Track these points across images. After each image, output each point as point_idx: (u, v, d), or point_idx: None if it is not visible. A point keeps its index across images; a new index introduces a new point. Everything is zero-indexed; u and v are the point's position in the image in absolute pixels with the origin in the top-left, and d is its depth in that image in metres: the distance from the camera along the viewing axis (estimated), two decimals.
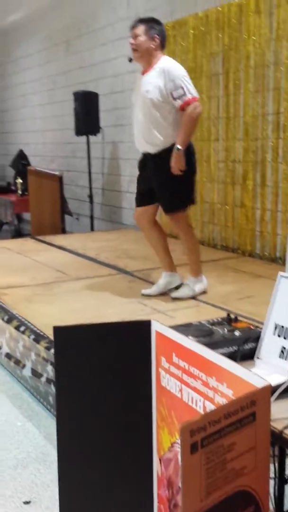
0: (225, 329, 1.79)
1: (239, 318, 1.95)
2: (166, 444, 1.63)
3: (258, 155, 4.96)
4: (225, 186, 5.37)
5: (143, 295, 3.88)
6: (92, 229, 7.12)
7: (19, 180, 8.14)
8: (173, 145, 3.53)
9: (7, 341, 3.54)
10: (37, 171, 7.42)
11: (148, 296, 3.86)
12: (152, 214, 3.84)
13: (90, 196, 7.05)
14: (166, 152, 3.55)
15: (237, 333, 1.77)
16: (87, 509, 1.73)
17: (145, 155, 3.73)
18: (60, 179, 6.83)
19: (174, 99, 3.49)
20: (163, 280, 3.92)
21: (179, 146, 3.49)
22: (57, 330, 1.59)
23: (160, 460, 1.67)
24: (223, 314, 2.15)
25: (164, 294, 3.90)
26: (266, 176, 4.89)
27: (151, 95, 3.51)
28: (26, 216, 8.20)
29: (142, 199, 3.81)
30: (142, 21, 3.63)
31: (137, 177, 3.87)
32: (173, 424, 1.58)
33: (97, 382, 1.64)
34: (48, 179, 7.05)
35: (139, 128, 3.63)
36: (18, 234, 8.32)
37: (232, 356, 1.66)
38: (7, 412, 3.08)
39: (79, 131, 6.83)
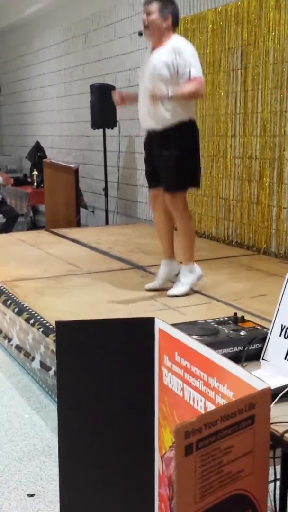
0: (230, 328, 1.78)
1: (250, 316, 1.93)
2: (168, 442, 1.62)
3: (275, 152, 4.91)
4: (241, 182, 5.33)
5: (147, 290, 3.85)
6: (107, 222, 7.11)
7: (35, 172, 8.15)
8: (179, 123, 3.52)
9: (17, 333, 3.55)
10: (52, 164, 7.43)
11: (153, 290, 3.84)
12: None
13: (106, 190, 7.05)
14: (172, 130, 3.52)
15: (242, 333, 1.75)
16: (87, 504, 1.73)
17: (149, 134, 3.68)
18: (75, 171, 6.83)
19: (182, 76, 3.47)
20: (163, 268, 3.88)
21: (173, 95, 3.42)
22: (60, 325, 1.58)
23: (161, 458, 1.66)
24: (236, 312, 2.15)
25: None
26: (283, 173, 4.84)
27: (159, 71, 3.49)
28: (42, 208, 8.22)
29: (153, 179, 3.78)
30: None
31: (144, 158, 3.83)
32: (175, 423, 1.56)
33: (100, 378, 1.63)
34: (63, 172, 7.06)
35: (145, 103, 3.56)
36: (33, 226, 8.35)
37: (237, 357, 1.64)
38: (16, 404, 3.09)
39: (96, 124, 6.82)
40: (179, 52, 3.48)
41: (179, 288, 3.78)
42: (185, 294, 3.76)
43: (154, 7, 3.56)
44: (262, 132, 5.01)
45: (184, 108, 3.54)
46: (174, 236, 3.91)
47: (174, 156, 3.54)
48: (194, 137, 3.63)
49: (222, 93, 5.38)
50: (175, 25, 3.64)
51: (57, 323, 1.59)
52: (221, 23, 5.31)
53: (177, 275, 3.85)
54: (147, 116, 3.59)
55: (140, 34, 3.72)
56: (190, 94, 3.50)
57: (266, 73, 4.90)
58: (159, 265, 4.01)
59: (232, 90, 5.30)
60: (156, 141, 3.62)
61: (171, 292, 3.77)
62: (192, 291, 3.82)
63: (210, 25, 5.44)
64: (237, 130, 5.31)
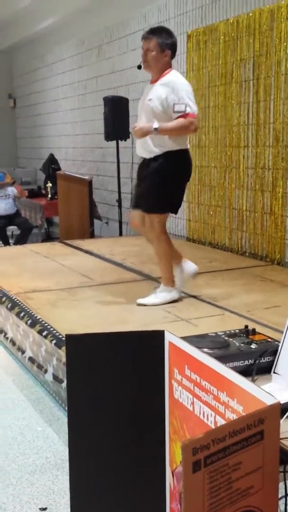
0: (241, 341, 1.76)
1: (264, 328, 1.92)
2: (179, 457, 1.60)
3: None
4: (254, 193, 5.32)
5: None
6: (120, 233, 7.13)
7: (49, 184, 8.21)
8: (166, 153, 3.63)
9: (30, 345, 3.56)
10: (66, 176, 7.47)
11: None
12: (143, 217, 3.86)
13: (119, 201, 7.06)
14: (158, 157, 3.65)
15: (253, 346, 1.74)
16: None
17: (141, 160, 3.81)
18: (89, 183, 6.86)
19: (174, 112, 3.56)
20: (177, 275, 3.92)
21: (157, 126, 3.52)
22: (69, 338, 1.58)
23: (172, 473, 1.65)
24: (248, 324, 2.12)
25: (184, 300, 3.86)
26: None
27: (152, 104, 3.59)
28: (56, 220, 8.27)
29: (136, 201, 3.89)
30: (154, 33, 3.67)
31: (136, 183, 3.95)
32: (185, 437, 1.55)
33: (110, 391, 1.63)
34: (77, 184, 7.09)
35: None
36: (48, 237, 8.39)
37: (248, 370, 1.63)
38: (29, 416, 3.09)
39: (109, 136, 6.85)
40: (173, 88, 3.56)
41: (151, 299, 3.83)
42: (153, 305, 3.79)
43: (153, 43, 3.63)
44: (275, 143, 5.00)
45: (174, 140, 3.63)
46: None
47: (152, 179, 3.68)
48: (178, 166, 3.70)
49: (234, 104, 5.39)
50: (173, 57, 3.73)
51: (67, 336, 1.59)
52: (233, 34, 5.32)
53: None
54: (140, 146, 3.73)
55: (139, 67, 3.80)
56: (175, 130, 3.57)
57: (278, 84, 4.90)
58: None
59: (244, 101, 5.30)
60: (144, 165, 3.77)
61: (141, 301, 3.82)
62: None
63: (222, 37, 5.45)
64: (249, 140, 5.31)
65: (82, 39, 8.62)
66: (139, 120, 3.74)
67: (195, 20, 5.91)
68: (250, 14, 5.10)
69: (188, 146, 3.79)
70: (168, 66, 3.70)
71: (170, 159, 3.66)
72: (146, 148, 3.68)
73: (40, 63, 10.36)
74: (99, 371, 1.62)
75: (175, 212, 3.84)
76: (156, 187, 3.68)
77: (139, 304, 3.81)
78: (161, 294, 3.84)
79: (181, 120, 3.56)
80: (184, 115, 3.55)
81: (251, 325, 2.62)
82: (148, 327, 3.14)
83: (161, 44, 3.63)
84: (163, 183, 3.67)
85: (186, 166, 3.77)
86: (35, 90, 10.75)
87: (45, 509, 2.31)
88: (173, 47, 3.70)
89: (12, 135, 11.95)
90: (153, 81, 3.72)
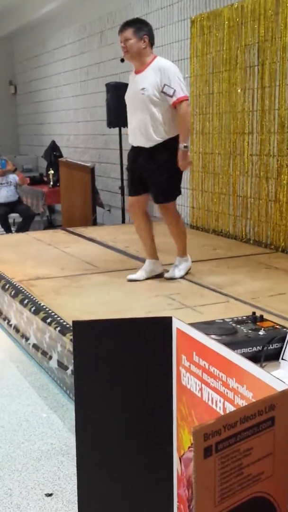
0: (249, 328, 1.75)
1: (269, 315, 1.91)
2: (186, 443, 1.60)
3: None
4: (259, 180, 5.28)
5: (129, 280, 4.05)
6: (123, 221, 7.10)
7: (51, 171, 8.17)
8: (169, 139, 3.76)
9: (34, 332, 3.55)
10: (68, 163, 7.43)
11: (135, 280, 4.04)
12: (145, 203, 4.08)
13: (122, 188, 7.03)
14: (161, 145, 3.79)
15: (261, 332, 1.73)
16: (105, 504, 1.72)
17: (135, 149, 3.91)
18: (91, 170, 6.83)
19: (168, 95, 3.70)
20: (148, 266, 4.12)
21: (185, 144, 3.75)
22: (77, 324, 1.57)
23: (180, 459, 1.65)
24: (253, 311, 2.10)
25: (189, 288, 3.86)
26: None
27: (148, 93, 3.71)
28: (58, 207, 8.24)
29: (136, 188, 4.02)
30: (129, 24, 3.84)
31: (128, 167, 4.11)
32: (193, 423, 1.55)
33: (117, 378, 1.62)
34: (79, 171, 7.06)
35: (137, 125, 3.81)
36: (50, 225, 8.37)
37: (256, 357, 1.62)
38: (33, 403, 3.09)
39: (111, 123, 6.81)
40: (163, 71, 3.71)
41: (176, 272, 4.11)
42: (180, 277, 4.11)
43: (129, 32, 3.78)
44: (280, 129, 4.96)
45: (174, 128, 3.79)
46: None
47: (163, 172, 3.83)
48: (177, 151, 3.82)
49: (239, 90, 5.34)
50: (152, 44, 3.85)
51: (74, 322, 1.58)
52: (237, 19, 5.27)
53: (159, 275, 4.14)
54: (140, 136, 3.81)
55: (122, 60, 3.97)
56: (187, 126, 3.82)
57: (283, 70, 4.85)
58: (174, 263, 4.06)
59: (249, 87, 5.26)
60: (145, 153, 3.85)
61: (169, 274, 4.11)
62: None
63: (227, 22, 5.39)
64: (254, 127, 5.27)
65: (84, 24, 8.54)
66: (133, 113, 3.83)
67: (199, 5, 5.84)
68: None
69: None
70: (150, 53, 3.82)
71: (171, 146, 3.78)
72: (149, 138, 3.77)
73: (41, 49, 10.29)
74: (106, 357, 1.61)
75: (181, 192, 4.11)
76: (172, 176, 3.87)
77: (168, 277, 4.07)
78: (182, 265, 4.14)
79: (180, 116, 3.71)
80: (180, 98, 3.70)
81: (257, 313, 2.61)
82: (152, 315, 3.14)
83: (138, 31, 3.76)
84: (175, 171, 3.85)
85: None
86: (36, 77, 10.68)
87: (50, 494, 2.31)
88: (150, 33, 3.83)
89: (13, 122, 11.89)
90: (139, 70, 3.82)
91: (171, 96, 3.69)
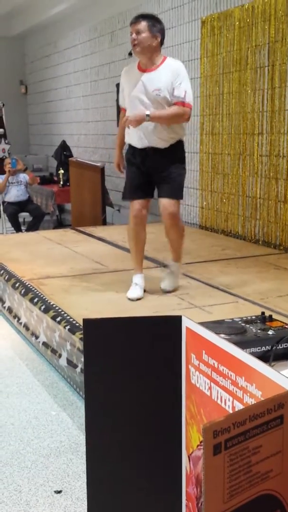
0: (258, 327, 1.76)
1: (278, 316, 1.92)
2: (195, 441, 1.61)
3: None
4: (268, 180, 5.28)
5: (132, 299, 3.75)
6: None
7: (61, 171, 8.20)
8: (178, 140, 3.70)
9: (44, 331, 3.58)
10: (78, 162, 7.46)
11: (138, 299, 3.76)
12: (148, 207, 3.89)
13: None
14: (173, 146, 3.69)
15: (270, 332, 1.73)
16: (115, 502, 1.73)
17: (143, 150, 3.70)
18: (101, 170, 6.85)
19: (173, 96, 3.56)
20: (142, 281, 3.86)
21: (149, 113, 3.52)
22: (87, 322, 1.59)
23: (189, 457, 1.66)
24: (263, 311, 2.11)
25: (198, 288, 3.86)
26: None
27: (164, 94, 3.56)
28: (68, 206, 8.27)
29: (143, 192, 3.80)
30: (144, 17, 3.61)
31: (132, 173, 3.83)
32: (202, 422, 1.56)
33: (126, 376, 1.64)
34: (89, 170, 7.08)
35: (147, 126, 3.59)
36: (60, 224, 8.40)
37: (264, 356, 1.63)
38: (43, 401, 3.12)
39: None
40: (178, 74, 3.57)
41: (176, 282, 3.95)
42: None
43: (143, 25, 3.56)
44: None
45: (182, 129, 3.71)
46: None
47: (177, 170, 3.74)
48: (183, 155, 3.83)
49: (249, 91, 5.35)
50: (162, 44, 3.67)
51: (85, 320, 1.60)
52: (248, 20, 5.27)
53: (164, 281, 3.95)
54: (154, 137, 3.64)
55: (130, 54, 3.72)
56: (170, 116, 3.57)
57: None
58: (185, 264, 4.04)
59: (259, 88, 5.26)
60: (157, 154, 3.68)
61: (168, 287, 3.89)
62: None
63: (237, 23, 5.40)
64: (264, 127, 5.27)
65: (95, 25, 8.57)
66: (140, 109, 3.57)
67: (210, 6, 5.85)
68: (266, 0, 5.04)
69: None
70: (160, 51, 3.65)
71: (181, 146, 3.76)
72: (164, 138, 3.64)
73: (52, 49, 10.32)
74: (116, 355, 1.63)
75: None
76: (183, 174, 3.81)
77: (172, 291, 3.88)
78: (177, 271, 3.99)
79: (175, 107, 3.57)
80: (181, 103, 3.56)
81: (266, 313, 2.62)
82: (161, 314, 3.15)
83: (152, 27, 3.57)
84: (184, 171, 3.82)
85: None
86: (47, 77, 10.72)
87: (60, 491, 2.33)
88: (162, 33, 3.64)
89: (24, 122, 11.93)
90: (148, 69, 3.62)
91: (179, 98, 3.55)
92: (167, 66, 3.61)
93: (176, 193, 3.80)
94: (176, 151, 3.73)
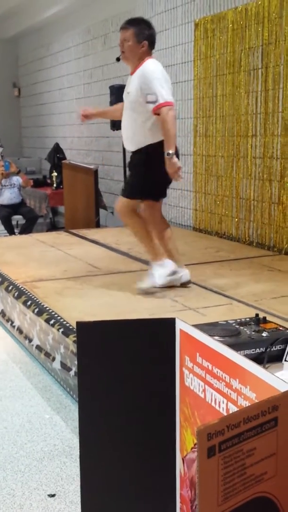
0: (252, 329, 1.76)
1: (272, 317, 1.92)
2: (189, 444, 1.61)
3: None
4: (262, 182, 5.29)
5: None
6: None
7: (54, 174, 8.19)
8: (148, 146, 3.62)
9: (37, 334, 3.56)
10: (71, 165, 7.45)
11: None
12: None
13: None
14: (142, 150, 3.67)
15: (265, 334, 1.73)
16: (108, 505, 1.72)
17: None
18: (95, 172, 6.84)
19: (147, 102, 3.53)
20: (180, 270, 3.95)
21: (169, 151, 3.51)
22: (81, 325, 1.58)
23: (183, 460, 1.65)
24: (257, 313, 2.11)
25: (192, 290, 3.86)
26: None
27: (132, 97, 3.61)
28: (61, 209, 8.26)
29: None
30: (132, 23, 3.66)
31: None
32: (197, 424, 1.55)
33: (120, 379, 1.63)
34: (82, 173, 7.07)
35: (123, 127, 3.74)
36: (53, 227, 8.38)
37: (259, 358, 1.63)
38: (36, 404, 3.10)
39: (115, 125, 6.81)
40: (145, 78, 3.54)
41: (149, 282, 3.89)
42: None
43: (129, 33, 3.61)
44: (283, 132, 4.97)
45: (158, 134, 3.59)
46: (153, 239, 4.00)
47: (137, 169, 3.72)
48: (148, 161, 3.67)
49: (242, 93, 5.36)
50: (152, 48, 3.69)
51: (78, 323, 1.59)
52: (241, 22, 5.28)
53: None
54: (125, 138, 3.75)
55: (118, 59, 3.81)
56: (171, 133, 3.53)
57: (287, 72, 4.86)
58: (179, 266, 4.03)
59: (252, 90, 5.27)
60: (131, 156, 3.81)
61: (140, 284, 3.88)
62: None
63: (230, 25, 5.41)
64: (257, 130, 5.28)
65: (88, 27, 8.57)
66: (123, 116, 3.75)
67: (203, 8, 5.86)
68: (259, 2, 5.05)
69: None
70: (146, 56, 3.65)
71: (153, 152, 3.63)
72: (131, 141, 3.71)
73: (45, 51, 10.32)
74: (109, 358, 1.62)
75: (143, 198, 3.85)
76: (138, 177, 3.74)
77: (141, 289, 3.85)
78: (155, 271, 3.86)
79: (162, 123, 3.52)
80: (158, 105, 3.51)
81: (260, 315, 2.62)
82: (155, 316, 3.14)
83: (138, 35, 3.60)
84: (146, 175, 3.69)
85: (157, 160, 3.64)
86: (40, 79, 10.71)
87: (53, 495, 2.32)
88: (150, 39, 3.65)
89: (17, 125, 11.92)
90: (131, 73, 3.72)
91: (151, 103, 3.52)
92: (139, 70, 3.63)
93: (125, 191, 3.85)
94: (141, 156, 3.67)
